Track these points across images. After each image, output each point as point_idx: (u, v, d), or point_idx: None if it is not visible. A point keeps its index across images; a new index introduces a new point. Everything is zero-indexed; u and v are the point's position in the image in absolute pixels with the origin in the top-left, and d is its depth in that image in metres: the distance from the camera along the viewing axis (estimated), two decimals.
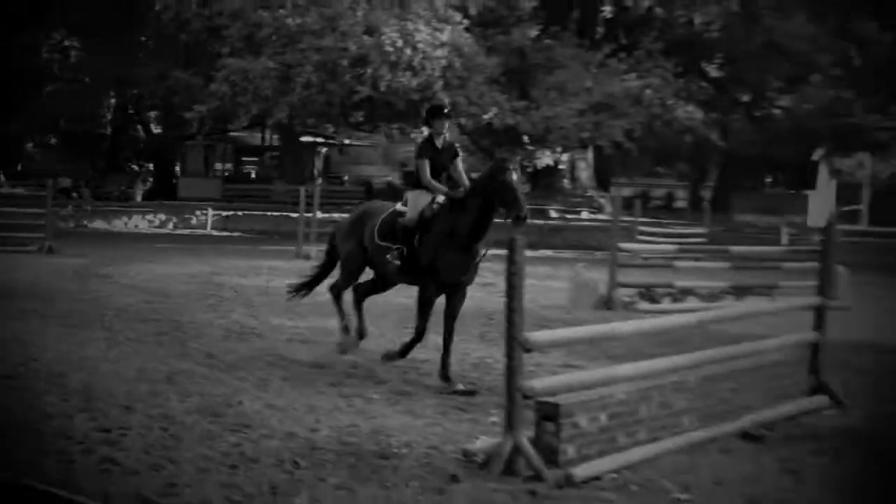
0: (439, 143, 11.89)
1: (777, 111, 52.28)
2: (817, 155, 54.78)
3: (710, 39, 51.48)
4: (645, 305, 18.56)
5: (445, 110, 12.19)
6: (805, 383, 10.73)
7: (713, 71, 53.63)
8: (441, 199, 11.76)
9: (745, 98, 53.09)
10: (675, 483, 7.67)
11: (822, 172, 57.30)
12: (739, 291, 19.54)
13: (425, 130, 12.29)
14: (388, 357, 12.30)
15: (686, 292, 19.45)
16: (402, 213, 12.02)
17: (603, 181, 54.67)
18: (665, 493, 7.44)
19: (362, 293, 13.26)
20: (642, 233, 26.30)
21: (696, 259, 21.30)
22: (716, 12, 49.92)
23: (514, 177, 11.07)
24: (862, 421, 10.18)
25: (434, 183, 11.78)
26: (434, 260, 11.51)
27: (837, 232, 21.47)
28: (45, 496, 5.07)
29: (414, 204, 11.90)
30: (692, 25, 51.72)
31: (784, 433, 9.44)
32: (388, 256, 11.85)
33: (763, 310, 13.25)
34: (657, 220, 39.70)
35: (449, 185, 11.93)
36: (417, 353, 13.29)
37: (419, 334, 11.95)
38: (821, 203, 53.23)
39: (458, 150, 12.27)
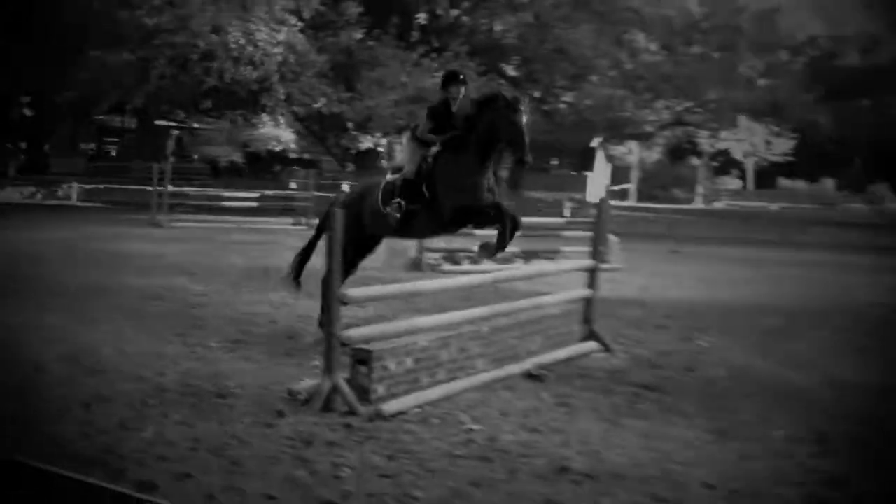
0: (454, 107, 10.26)
1: (563, 105, 53.08)
2: (595, 142, 55.81)
3: (509, 44, 51.93)
4: (448, 267, 18.64)
5: (461, 76, 10.45)
6: (579, 332, 10.91)
7: (511, 71, 54.03)
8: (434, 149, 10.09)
9: (537, 94, 53.66)
10: (468, 416, 7.74)
11: (599, 157, 58.47)
12: (528, 255, 19.73)
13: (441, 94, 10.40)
14: (485, 250, 10.14)
15: None
16: (392, 180, 10.31)
17: None
18: (460, 424, 7.49)
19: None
20: None
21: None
22: (513, 22, 50.45)
23: (525, 119, 9.64)
24: (625, 362, 10.38)
25: (429, 136, 10.15)
26: (458, 203, 9.74)
27: (609, 207, 21.80)
28: (38, 473, 4.81)
29: (409, 155, 10.30)
30: (493, 32, 52.06)
31: (560, 373, 9.57)
32: (388, 209, 10.05)
33: (546, 271, 13.41)
34: None
35: None
36: (255, 307, 13.21)
37: (512, 223, 9.82)
38: (597, 182, 54.25)
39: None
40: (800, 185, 66.34)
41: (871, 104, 67.83)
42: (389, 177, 10.39)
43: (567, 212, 38.45)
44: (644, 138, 57.80)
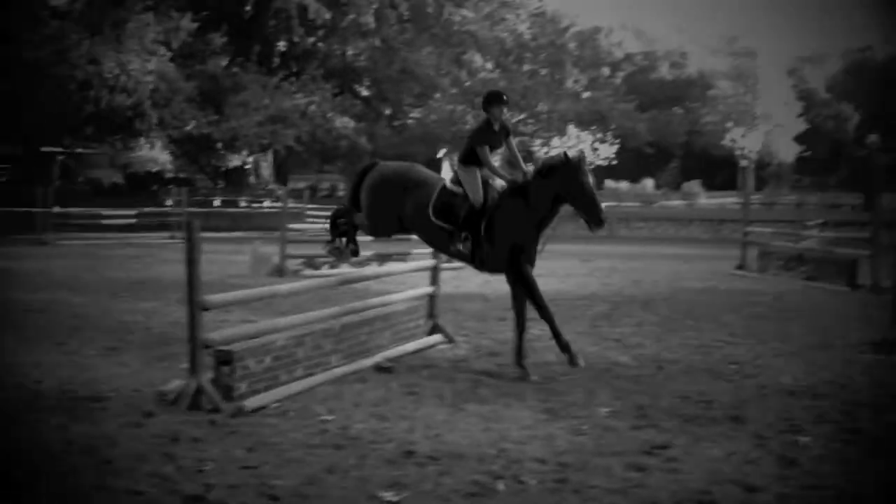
0: (496, 126, 9.47)
1: (410, 121, 53.39)
2: (441, 153, 56.00)
3: (360, 67, 51.93)
4: (309, 272, 18.53)
5: (504, 97, 9.53)
6: (425, 326, 10.91)
7: (363, 91, 53.98)
8: (500, 183, 9.46)
9: (387, 111, 53.76)
10: (324, 408, 7.69)
11: (445, 166, 58.55)
12: (381, 258, 19.70)
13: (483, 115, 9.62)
14: (521, 370, 9.26)
15: None
16: (453, 193, 9.44)
17: (281, 176, 54.43)
18: (316, 416, 7.43)
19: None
20: (310, 215, 26.52)
21: None
22: (363, 46, 50.44)
23: (591, 179, 9.11)
24: (468, 352, 10.43)
25: (498, 169, 9.45)
26: (510, 253, 9.25)
27: None
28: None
29: (471, 184, 9.36)
30: (346, 56, 51.95)
31: (409, 364, 9.57)
32: (461, 246, 9.28)
33: (393, 270, 13.35)
34: (322, 206, 39.77)
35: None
36: (131, 316, 12.95)
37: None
38: None
39: (510, 128, 9.80)
40: (623, 185, 67.87)
41: (682, 112, 69.75)
42: (449, 185, 9.55)
43: None
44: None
